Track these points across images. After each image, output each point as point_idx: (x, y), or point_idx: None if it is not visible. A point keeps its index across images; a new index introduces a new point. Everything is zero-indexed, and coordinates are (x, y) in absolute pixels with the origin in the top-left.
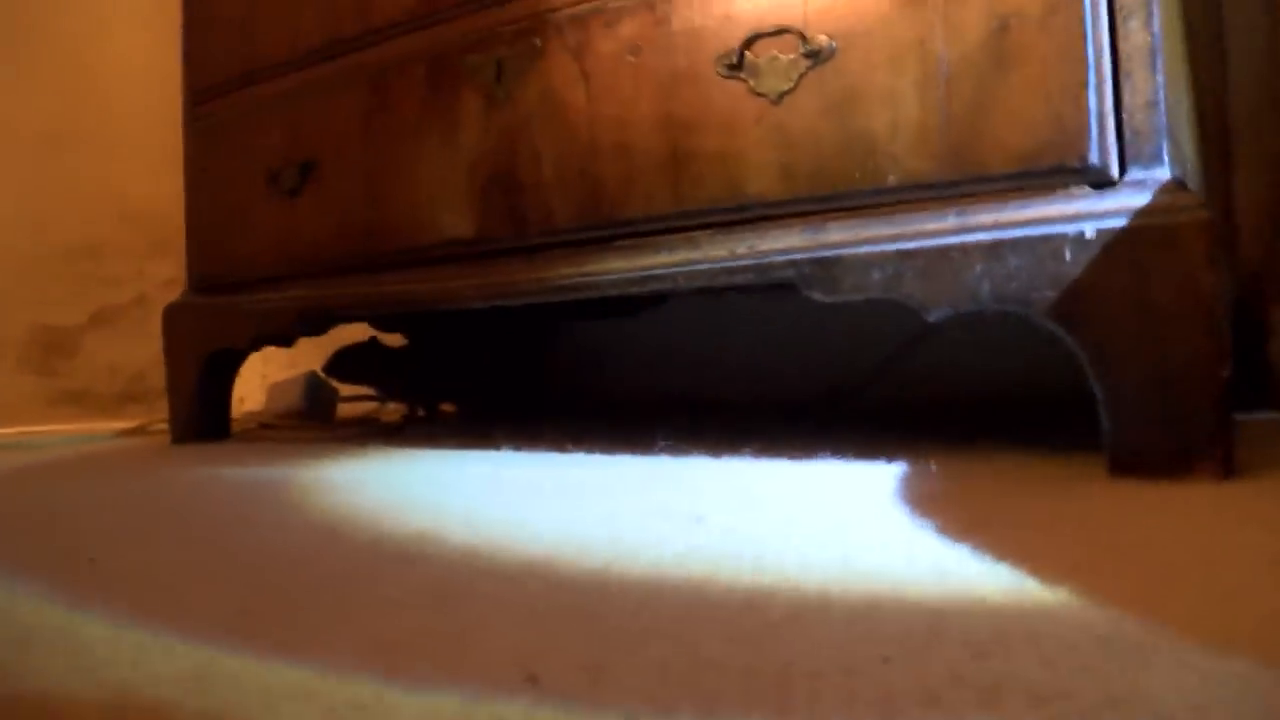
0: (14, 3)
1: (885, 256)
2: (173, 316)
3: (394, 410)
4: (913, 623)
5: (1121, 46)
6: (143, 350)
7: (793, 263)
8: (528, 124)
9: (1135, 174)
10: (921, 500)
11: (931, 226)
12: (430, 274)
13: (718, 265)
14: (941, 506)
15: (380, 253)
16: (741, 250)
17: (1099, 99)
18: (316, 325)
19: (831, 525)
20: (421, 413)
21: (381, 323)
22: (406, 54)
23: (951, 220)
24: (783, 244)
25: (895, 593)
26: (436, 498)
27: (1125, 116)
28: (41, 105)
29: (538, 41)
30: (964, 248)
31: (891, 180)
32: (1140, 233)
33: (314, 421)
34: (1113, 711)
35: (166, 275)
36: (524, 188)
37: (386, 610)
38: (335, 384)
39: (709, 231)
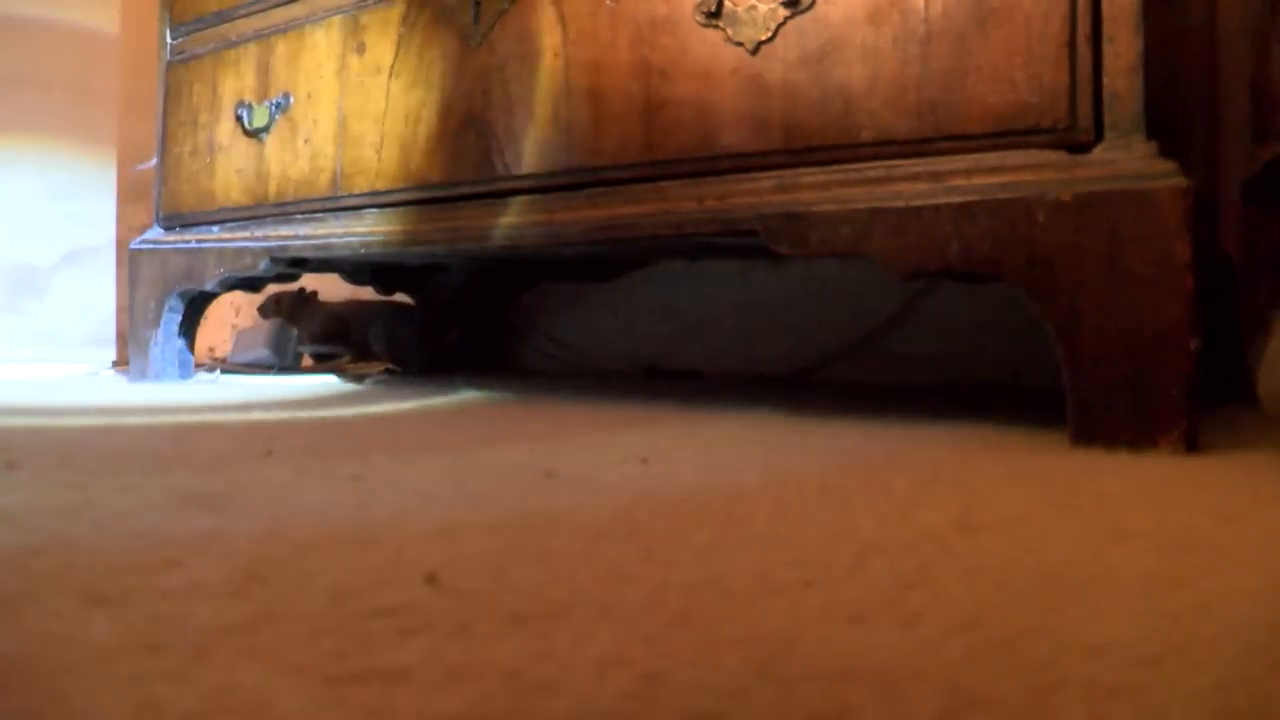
0: None
1: (855, 213)
2: (138, 255)
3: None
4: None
5: (1105, 7)
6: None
7: (761, 216)
8: (503, 68)
9: (1113, 138)
10: (864, 461)
11: (904, 186)
12: (399, 217)
13: (685, 216)
14: (891, 466)
15: (349, 195)
16: (710, 202)
17: (1079, 60)
18: (286, 269)
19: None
20: (385, 369)
21: (354, 275)
22: None
23: (924, 180)
24: (752, 197)
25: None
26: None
27: (1106, 79)
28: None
29: None
30: (936, 207)
31: (866, 136)
32: (1115, 197)
33: (280, 368)
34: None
35: (143, 221)
36: (496, 132)
37: None
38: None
39: (679, 182)
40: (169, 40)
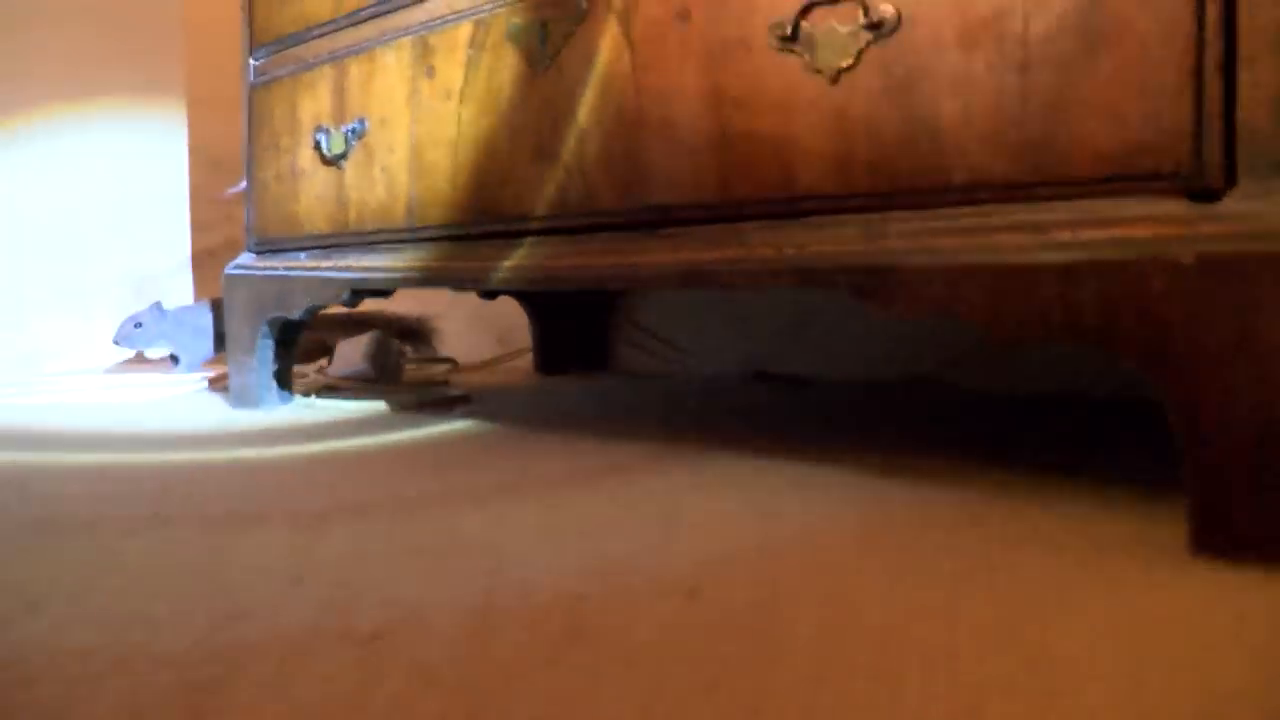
0: None
1: (947, 269)
2: (233, 281)
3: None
4: None
5: (1241, 23)
6: None
7: (843, 269)
8: (572, 94)
9: (1249, 184)
10: (939, 574)
11: (1001, 237)
12: (473, 251)
13: (762, 265)
14: (970, 583)
15: (425, 225)
16: (789, 251)
17: (1207, 90)
18: (371, 296)
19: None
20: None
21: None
22: (451, 12)
23: (1024, 231)
24: (833, 245)
25: None
26: None
27: (1241, 113)
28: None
29: (583, 3)
30: (1036, 267)
31: (958, 178)
32: (1251, 261)
33: (381, 383)
34: None
35: (212, 239)
36: (567, 164)
37: None
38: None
39: (757, 225)
40: (251, 62)
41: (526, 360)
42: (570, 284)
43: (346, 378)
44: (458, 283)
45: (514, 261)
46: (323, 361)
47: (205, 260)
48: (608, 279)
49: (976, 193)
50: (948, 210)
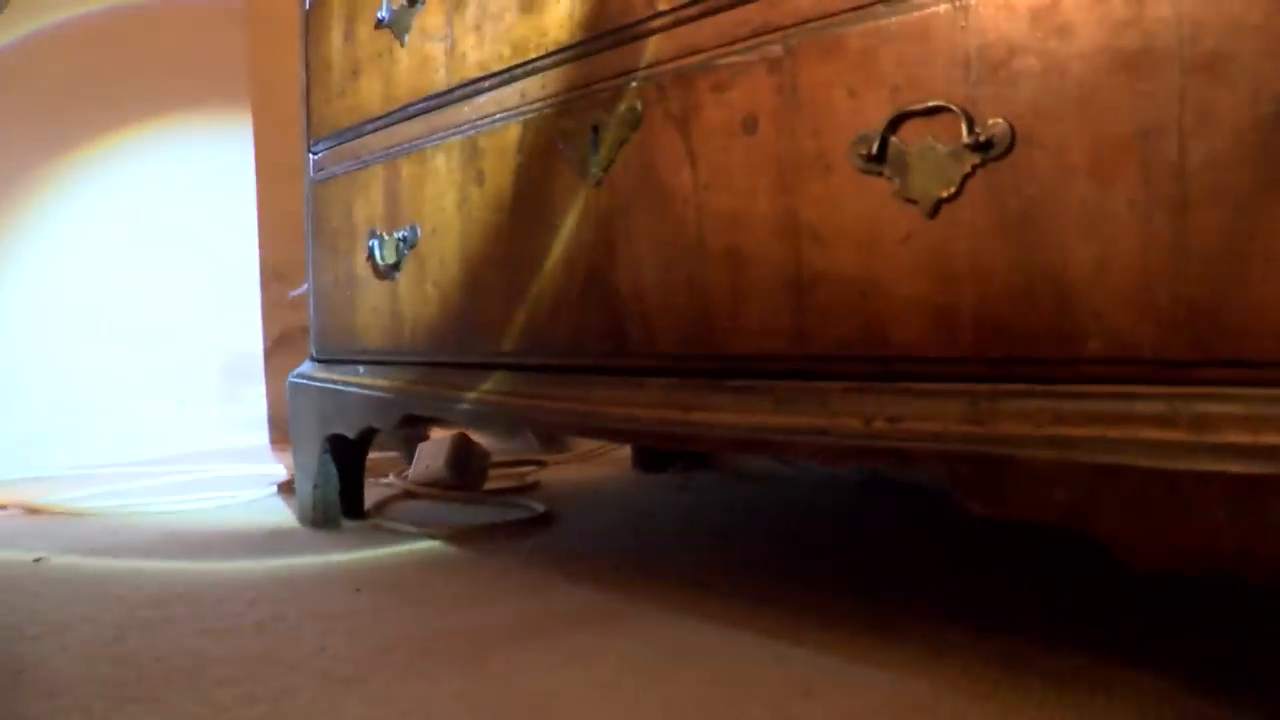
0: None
1: (1074, 469)
2: (296, 390)
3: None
4: None
5: None
6: None
7: (944, 454)
8: (627, 213)
9: None
10: None
11: (1149, 432)
12: (523, 384)
13: (848, 439)
14: None
15: (476, 352)
16: (880, 424)
17: None
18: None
19: None
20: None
21: None
22: (500, 111)
23: (1181, 426)
24: (934, 423)
25: None
26: None
27: None
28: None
29: (638, 105)
30: (1199, 476)
31: (1093, 348)
32: None
33: (462, 487)
34: None
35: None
36: (622, 295)
37: None
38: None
39: (839, 387)
40: (310, 156)
41: (625, 451)
42: (627, 438)
43: (426, 484)
44: (513, 423)
45: (563, 404)
46: (403, 466)
47: (283, 347)
48: (665, 437)
49: (1117, 367)
50: (1078, 388)
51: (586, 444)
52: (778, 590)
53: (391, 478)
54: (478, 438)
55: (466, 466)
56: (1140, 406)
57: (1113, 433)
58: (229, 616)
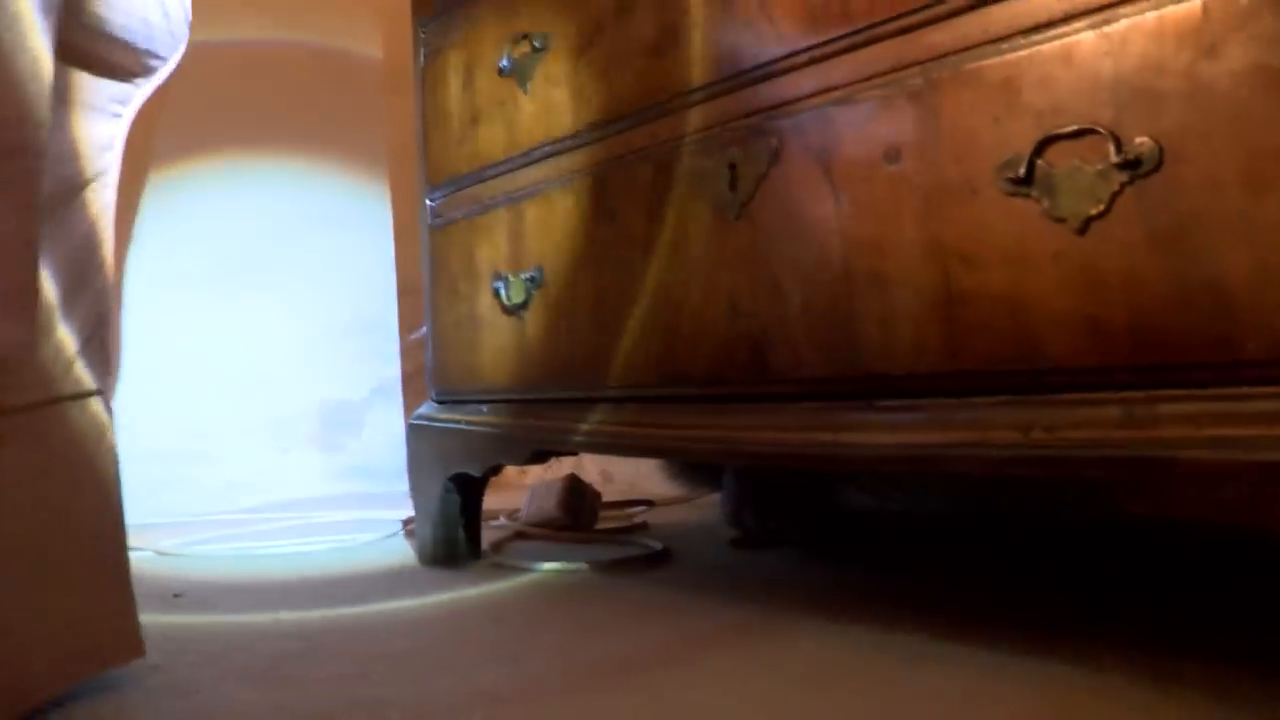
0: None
1: (1239, 467)
2: (416, 431)
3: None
4: None
5: None
6: None
7: (1105, 459)
8: (768, 246)
9: None
10: None
11: None
12: (662, 415)
13: (1006, 451)
14: None
15: (612, 384)
16: (1038, 434)
17: None
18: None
19: None
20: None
21: None
22: (630, 152)
23: None
24: (1091, 430)
25: None
26: None
27: None
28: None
29: (775, 141)
30: None
31: (1251, 351)
32: None
33: (574, 528)
34: None
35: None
36: (764, 323)
37: None
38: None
39: (993, 401)
40: (428, 203)
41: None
42: (772, 461)
43: (538, 524)
44: (651, 452)
45: (704, 433)
46: (516, 506)
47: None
48: (814, 459)
49: (1277, 369)
50: (1238, 390)
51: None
52: (904, 611)
53: (503, 519)
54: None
55: (579, 507)
56: None
57: (1275, 433)
58: (378, 646)
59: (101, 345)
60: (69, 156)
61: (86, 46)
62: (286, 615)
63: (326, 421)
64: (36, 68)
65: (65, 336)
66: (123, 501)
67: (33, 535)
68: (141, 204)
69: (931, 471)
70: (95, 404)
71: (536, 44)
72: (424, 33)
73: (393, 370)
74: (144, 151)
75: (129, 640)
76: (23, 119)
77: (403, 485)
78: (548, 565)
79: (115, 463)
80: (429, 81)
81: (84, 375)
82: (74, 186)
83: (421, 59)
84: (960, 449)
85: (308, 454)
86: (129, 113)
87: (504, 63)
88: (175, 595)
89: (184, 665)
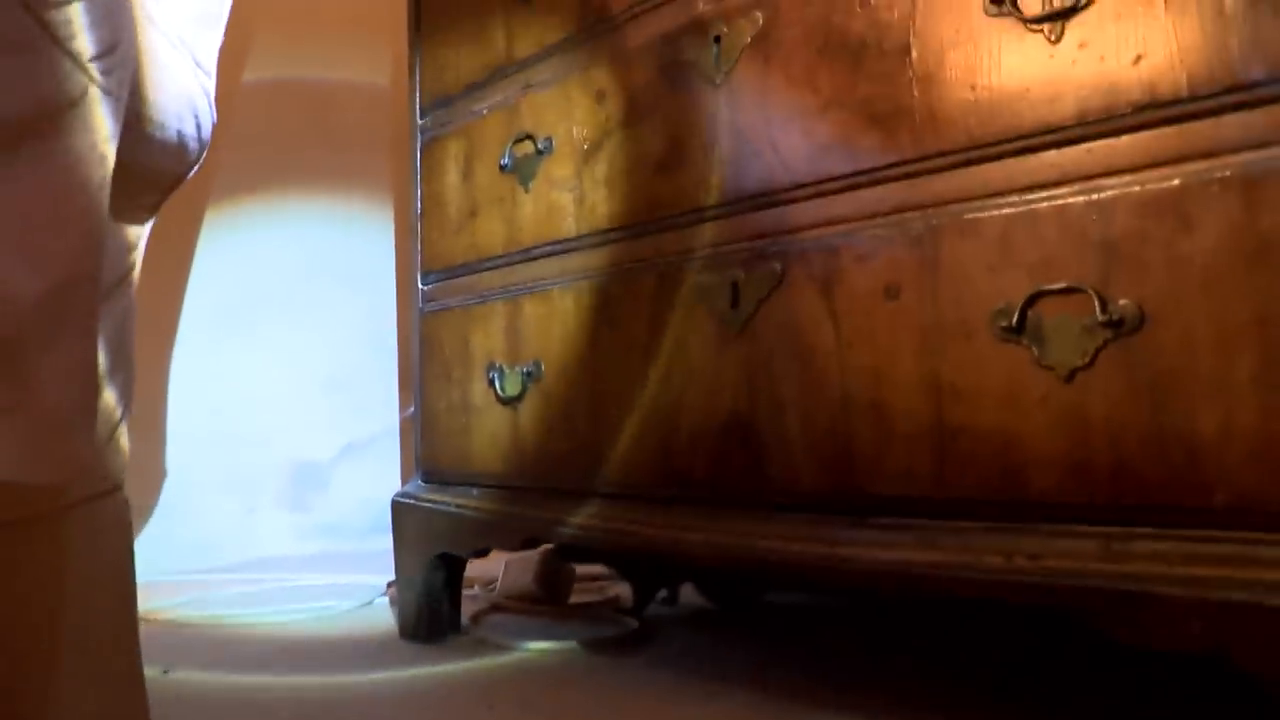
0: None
1: (1206, 605)
2: (401, 510)
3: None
4: None
5: None
6: (393, 480)
7: (1086, 590)
8: (768, 362)
9: None
10: None
11: (1275, 574)
12: (659, 516)
13: (991, 575)
14: None
15: (607, 480)
16: (1021, 560)
17: None
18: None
19: None
20: (663, 594)
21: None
22: (633, 261)
23: None
24: (1072, 561)
25: None
26: None
27: None
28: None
29: (778, 266)
30: None
31: (1219, 501)
32: None
33: (548, 602)
34: None
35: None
36: (763, 437)
37: None
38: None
39: (981, 527)
40: (420, 287)
41: None
42: (768, 568)
43: (515, 598)
44: (644, 549)
45: (702, 536)
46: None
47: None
48: (810, 569)
49: (1243, 516)
50: (1207, 533)
51: None
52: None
53: (477, 589)
54: None
55: (554, 581)
56: (1265, 551)
57: (1241, 574)
58: None
59: (119, 442)
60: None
61: (123, 156)
62: (276, 694)
63: (294, 480)
64: (102, 196)
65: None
66: (135, 593)
67: (53, 633)
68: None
69: (920, 592)
70: (117, 498)
71: (539, 146)
72: (423, 119)
73: (364, 429)
74: None
75: None
76: (88, 249)
77: (370, 544)
78: (536, 645)
79: (131, 558)
80: (427, 167)
81: (108, 471)
82: (103, 291)
83: (419, 145)
84: (947, 570)
85: (275, 513)
86: (152, 218)
87: (505, 160)
88: (164, 671)
89: None
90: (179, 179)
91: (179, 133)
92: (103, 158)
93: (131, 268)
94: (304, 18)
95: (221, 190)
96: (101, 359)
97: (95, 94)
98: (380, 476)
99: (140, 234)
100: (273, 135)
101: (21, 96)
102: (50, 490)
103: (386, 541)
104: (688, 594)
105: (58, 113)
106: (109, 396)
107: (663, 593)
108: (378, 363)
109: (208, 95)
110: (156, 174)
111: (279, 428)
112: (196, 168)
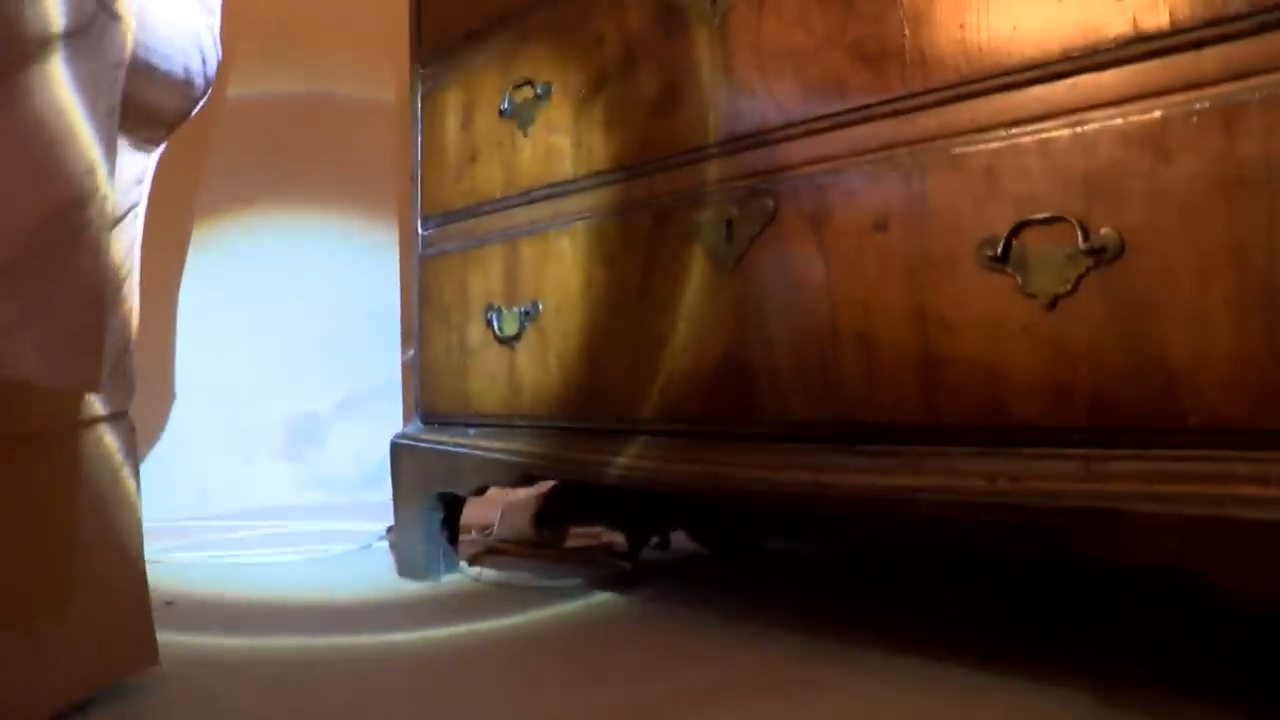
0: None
1: (1180, 520)
2: (400, 452)
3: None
4: None
5: None
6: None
7: (1064, 509)
8: (760, 300)
9: None
10: None
11: (1245, 489)
12: (656, 450)
13: (974, 496)
14: None
15: (603, 416)
16: (1004, 483)
17: None
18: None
19: None
20: (655, 540)
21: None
22: (630, 201)
23: (1275, 484)
24: (1052, 483)
25: None
26: None
27: None
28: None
29: (770, 203)
30: None
31: (1193, 422)
32: None
33: (544, 545)
34: None
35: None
36: (755, 371)
37: None
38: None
39: (966, 452)
40: (420, 232)
41: None
42: (756, 497)
43: (511, 541)
44: (641, 482)
45: (697, 468)
46: (490, 522)
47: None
48: (797, 497)
49: (1216, 436)
50: (1182, 453)
51: None
52: (919, 633)
53: (474, 534)
54: None
55: (551, 524)
56: (1237, 468)
57: (1213, 490)
58: (382, 676)
59: (126, 369)
60: None
61: (131, 88)
62: (285, 633)
63: (292, 432)
64: (111, 122)
65: None
66: (141, 516)
67: (62, 545)
68: None
69: (905, 514)
70: (122, 424)
71: (538, 91)
72: (422, 71)
73: (360, 385)
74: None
75: (146, 649)
76: (94, 169)
77: (368, 496)
78: (539, 585)
79: (137, 479)
80: (427, 117)
81: (113, 397)
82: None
83: (419, 95)
84: (935, 493)
85: (273, 464)
86: (160, 149)
87: (504, 105)
88: (167, 603)
89: (197, 676)
90: (185, 114)
91: (185, 68)
92: (111, 84)
93: (135, 204)
94: None
95: (221, 172)
96: (110, 284)
97: (104, 20)
98: (378, 432)
99: (147, 167)
100: (273, 129)
101: (29, 18)
102: (65, 404)
103: (384, 494)
104: (680, 541)
105: (65, 36)
106: (114, 323)
107: (655, 539)
108: (377, 323)
109: (213, 33)
110: (163, 109)
111: (278, 380)
112: (202, 104)
